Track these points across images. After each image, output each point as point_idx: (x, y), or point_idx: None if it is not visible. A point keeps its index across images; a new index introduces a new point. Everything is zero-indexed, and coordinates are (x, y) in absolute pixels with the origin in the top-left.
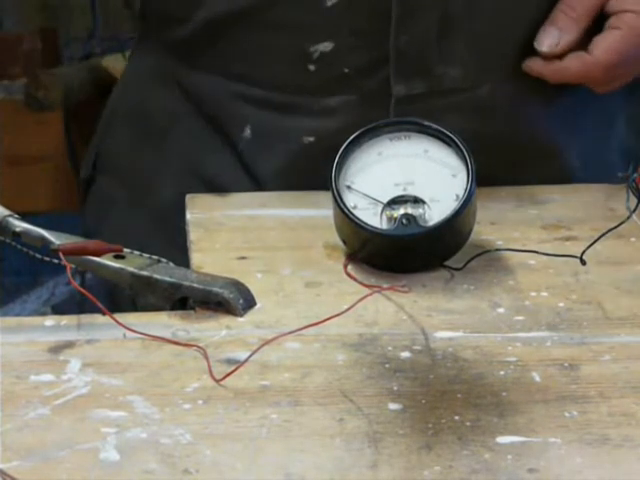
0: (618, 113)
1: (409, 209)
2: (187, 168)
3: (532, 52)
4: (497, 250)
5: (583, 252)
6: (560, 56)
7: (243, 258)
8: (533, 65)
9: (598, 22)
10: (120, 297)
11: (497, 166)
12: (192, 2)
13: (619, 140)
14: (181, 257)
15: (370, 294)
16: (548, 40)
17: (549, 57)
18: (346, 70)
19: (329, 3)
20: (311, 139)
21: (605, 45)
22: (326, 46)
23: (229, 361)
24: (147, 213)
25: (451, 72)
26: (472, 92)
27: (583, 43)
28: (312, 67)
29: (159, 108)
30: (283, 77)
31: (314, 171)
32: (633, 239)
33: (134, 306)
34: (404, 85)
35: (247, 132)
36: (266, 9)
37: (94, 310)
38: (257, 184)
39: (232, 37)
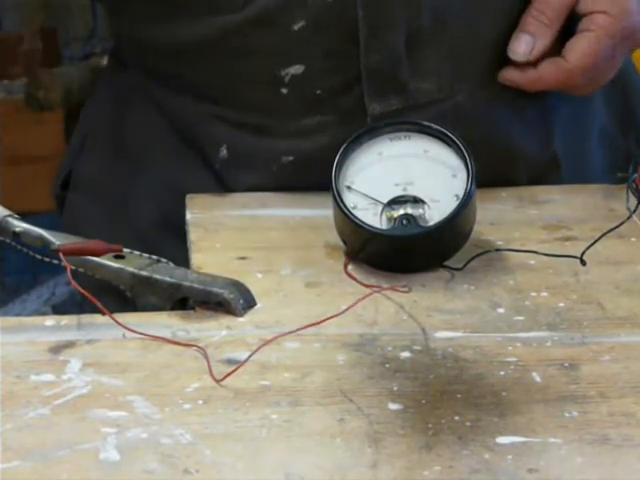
0: (597, 102)
1: (409, 209)
2: (166, 187)
3: (504, 54)
4: (497, 250)
5: (583, 252)
6: (535, 64)
7: (243, 258)
8: (509, 76)
9: (568, 23)
10: (108, 299)
11: (488, 169)
12: (159, 30)
13: (600, 127)
14: None
15: (370, 294)
16: (522, 47)
17: (524, 65)
18: (319, 92)
19: (296, 27)
20: (290, 158)
21: (579, 49)
22: (297, 69)
23: (229, 361)
24: (126, 231)
25: (425, 86)
26: (450, 101)
27: (555, 46)
28: (284, 90)
29: (135, 127)
30: (256, 101)
31: (293, 189)
32: (633, 239)
33: (127, 306)
34: (378, 104)
35: (223, 152)
36: (234, 36)
37: (94, 310)
38: None
39: (202, 63)
